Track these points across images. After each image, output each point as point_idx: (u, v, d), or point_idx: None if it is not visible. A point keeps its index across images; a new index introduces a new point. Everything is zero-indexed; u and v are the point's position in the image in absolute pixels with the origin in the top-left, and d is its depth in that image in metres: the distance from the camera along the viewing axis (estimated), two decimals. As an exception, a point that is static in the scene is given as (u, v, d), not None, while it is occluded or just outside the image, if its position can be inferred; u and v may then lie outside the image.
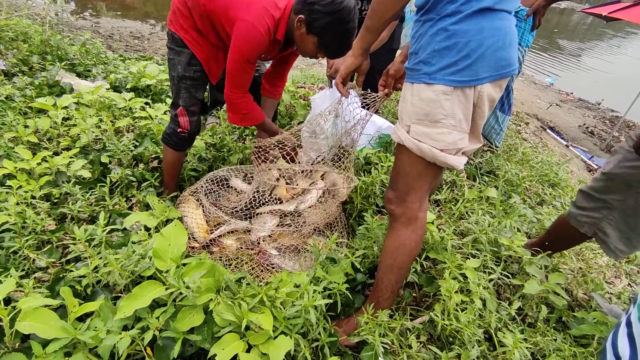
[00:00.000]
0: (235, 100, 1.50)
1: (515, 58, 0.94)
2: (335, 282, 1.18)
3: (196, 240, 1.52)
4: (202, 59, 1.50)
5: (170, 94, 2.65)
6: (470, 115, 0.97)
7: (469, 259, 1.39)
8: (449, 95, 0.93)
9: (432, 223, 1.53)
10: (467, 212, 1.80)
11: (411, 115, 0.99)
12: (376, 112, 2.23)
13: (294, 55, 1.66)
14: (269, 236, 1.51)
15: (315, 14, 1.30)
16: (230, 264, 1.45)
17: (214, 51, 1.50)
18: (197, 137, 2.05)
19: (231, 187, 1.74)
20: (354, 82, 1.27)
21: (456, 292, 1.25)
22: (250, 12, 1.32)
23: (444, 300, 1.24)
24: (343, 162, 1.54)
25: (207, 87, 1.69)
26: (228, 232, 1.53)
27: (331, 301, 1.16)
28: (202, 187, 1.68)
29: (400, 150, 1.05)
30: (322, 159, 1.69)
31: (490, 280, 1.38)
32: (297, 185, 1.68)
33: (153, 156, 1.99)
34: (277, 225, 1.56)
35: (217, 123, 2.60)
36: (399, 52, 1.50)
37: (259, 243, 1.51)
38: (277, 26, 1.38)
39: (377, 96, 1.28)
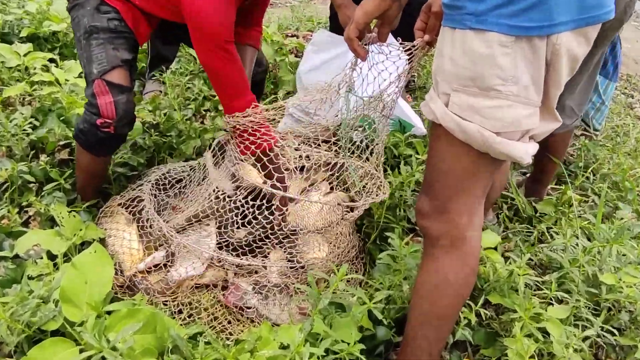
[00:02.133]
0: (233, 108, 1.54)
1: None
2: (343, 342, 1.18)
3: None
4: (119, 8, 1.53)
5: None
6: (542, 80, 0.96)
7: (552, 305, 1.39)
8: (509, 48, 0.92)
9: (495, 249, 1.53)
10: (549, 232, 1.79)
11: (451, 79, 0.99)
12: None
13: None
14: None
15: None
16: (182, 312, 1.47)
17: None
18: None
19: (185, 193, 1.74)
20: (374, 33, 1.24)
21: (532, 357, 1.24)
22: None
23: (512, 370, 1.25)
24: (363, 158, 1.55)
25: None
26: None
27: (337, 372, 1.17)
28: (141, 192, 1.70)
29: (435, 134, 1.07)
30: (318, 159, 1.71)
31: (586, 338, 1.37)
32: (290, 192, 1.69)
33: (61, 143, 1.97)
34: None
35: (160, 92, 2.61)
36: None
37: (225, 275, 1.54)
38: None
39: (414, 46, 1.24)
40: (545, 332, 1.32)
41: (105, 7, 1.54)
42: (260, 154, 1.56)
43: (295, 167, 1.83)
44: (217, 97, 2.20)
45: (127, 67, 1.57)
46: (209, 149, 1.70)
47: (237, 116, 1.52)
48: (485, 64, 0.94)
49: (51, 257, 1.43)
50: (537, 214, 1.96)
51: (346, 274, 1.33)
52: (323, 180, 1.83)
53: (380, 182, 1.60)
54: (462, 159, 1.04)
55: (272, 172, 1.58)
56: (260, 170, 1.61)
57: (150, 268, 1.53)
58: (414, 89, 3.04)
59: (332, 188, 1.87)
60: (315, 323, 1.21)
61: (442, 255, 1.12)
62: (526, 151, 1.01)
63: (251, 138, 1.54)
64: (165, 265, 1.54)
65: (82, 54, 1.56)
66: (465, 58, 0.96)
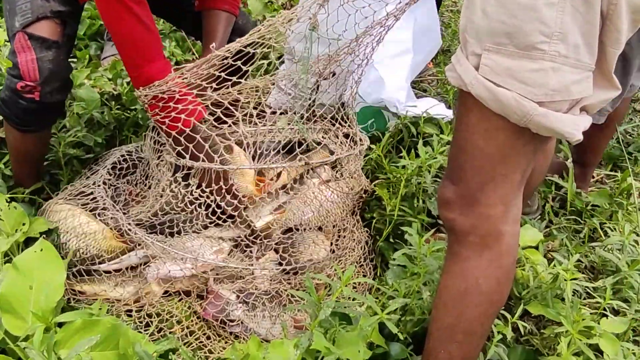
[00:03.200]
0: (142, 78, 1.50)
1: None
2: None
3: (88, 278, 1.54)
4: None
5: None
6: (597, 37, 0.96)
7: (606, 317, 1.38)
8: None
9: (536, 248, 1.53)
10: (602, 228, 1.80)
11: (483, 35, 1.00)
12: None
13: None
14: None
15: None
16: (150, 324, 1.47)
17: None
18: (75, 76, 2.02)
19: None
20: None
21: (582, 380, 1.25)
22: None
23: (558, 396, 1.26)
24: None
25: None
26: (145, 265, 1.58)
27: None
28: (98, 183, 1.70)
29: (463, 105, 1.08)
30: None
31: (647, 358, 1.39)
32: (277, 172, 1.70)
33: None
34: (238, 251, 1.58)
35: None
36: None
37: (206, 281, 1.55)
38: None
39: None
40: (597, 350, 1.32)
41: None
42: (188, 131, 1.53)
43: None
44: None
45: (59, 20, 1.55)
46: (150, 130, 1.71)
47: (153, 86, 1.48)
48: (525, 17, 0.94)
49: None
50: (588, 206, 1.96)
51: (353, 278, 1.32)
52: (321, 164, 1.82)
53: (354, 134, 1.65)
54: (496, 136, 1.04)
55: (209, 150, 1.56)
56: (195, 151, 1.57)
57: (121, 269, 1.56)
58: (436, 54, 3.02)
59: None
60: (315, 338, 1.20)
61: (471, 255, 1.12)
62: (576, 126, 1.00)
63: (173, 114, 1.51)
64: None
65: (5, 6, 1.55)
66: (500, 9, 0.96)
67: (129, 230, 1.56)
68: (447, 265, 1.17)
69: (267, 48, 1.46)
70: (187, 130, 1.51)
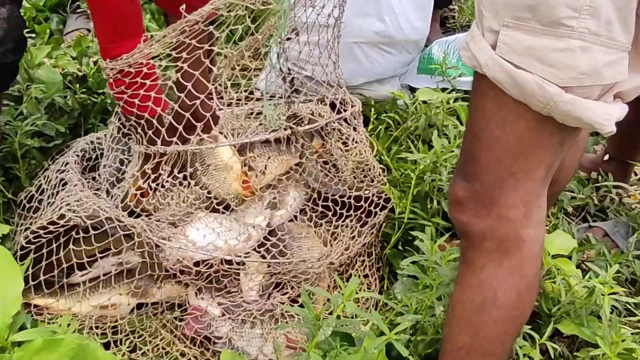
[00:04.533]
0: (114, 52, 1.55)
1: None
2: None
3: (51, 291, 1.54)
4: None
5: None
6: (634, 12, 0.97)
7: None
8: None
9: (569, 257, 1.53)
10: None
11: (502, 9, 1.00)
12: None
13: None
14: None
15: None
16: (122, 341, 1.49)
17: None
18: (34, 54, 2.07)
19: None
20: None
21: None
22: None
23: None
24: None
25: None
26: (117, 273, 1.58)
27: None
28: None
29: (478, 89, 1.09)
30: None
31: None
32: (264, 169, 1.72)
33: None
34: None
35: (88, 31, 2.64)
36: None
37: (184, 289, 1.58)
38: None
39: None
40: None
41: None
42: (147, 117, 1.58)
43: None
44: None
45: None
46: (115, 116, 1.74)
47: (123, 59, 1.52)
48: None
49: None
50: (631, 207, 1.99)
51: (356, 292, 1.30)
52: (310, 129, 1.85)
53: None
54: (515, 125, 1.04)
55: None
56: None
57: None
58: (453, 29, 3.07)
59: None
60: None
61: (488, 263, 1.13)
62: (609, 115, 1.01)
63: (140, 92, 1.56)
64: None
65: None
66: None
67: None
68: (460, 275, 1.18)
69: (243, 10, 1.48)
70: (159, 110, 1.56)
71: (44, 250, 1.54)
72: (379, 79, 2.41)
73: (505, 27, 0.99)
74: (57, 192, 1.67)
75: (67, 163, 1.75)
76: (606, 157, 2.14)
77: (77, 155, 1.78)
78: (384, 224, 1.83)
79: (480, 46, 1.03)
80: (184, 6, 1.45)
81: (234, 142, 1.69)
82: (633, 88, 1.03)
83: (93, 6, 1.56)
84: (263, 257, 1.62)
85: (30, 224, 1.65)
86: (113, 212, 1.55)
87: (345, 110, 1.79)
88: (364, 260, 1.75)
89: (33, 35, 2.53)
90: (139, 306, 1.59)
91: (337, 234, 1.76)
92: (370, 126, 2.16)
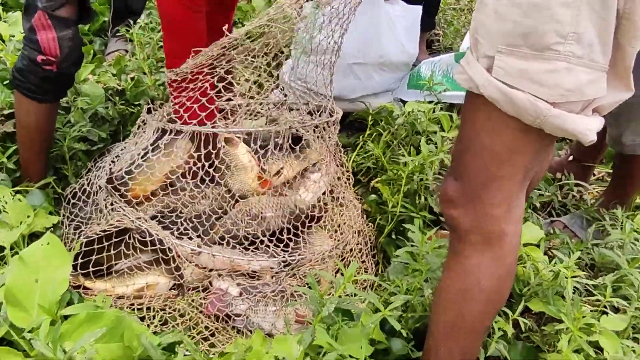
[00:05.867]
0: (175, 65, 1.56)
1: None
2: (351, 357, 1.19)
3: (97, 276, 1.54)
4: None
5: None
6: (612, 37, 0.96)
7: (607, 314, 1.39)
8: None
9: (537, 246, 1.53)
10: (603, 226, 1.81)
11: (496, 37, 0.99)
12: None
13: None
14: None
15: None
16: (154, 317, 1.49)
17: None
18: (80, 71, 2.03)
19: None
20: None
21: (581, 377, 1.26)
22: None
23: (557, 393, 1.27)
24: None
25: None
26: (147, 264, 1.60)
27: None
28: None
29: (472, 104, 1.07)
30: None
31: (647, 355, 1.40)
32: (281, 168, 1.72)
33: (5, 112, 2.00)
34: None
35: (126, 51, 2.65)
36: None
37: (209, 272, 1.57)
38: None
39: None
40: (597, 347, 1.32)
41: None
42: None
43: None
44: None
45: (75, 2, 1.63)
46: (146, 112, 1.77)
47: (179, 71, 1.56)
48: (540, 17, 0.93)
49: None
50: (589, 204, 1.98)
51: (354, 275, 1.32)
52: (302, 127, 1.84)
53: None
54: (502, 135, 1.04)
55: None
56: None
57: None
58: (438, 50, 3.08)
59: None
60: (318, 334, 1.21)
61: (473, 253, 1.13)
62: (590, 127, 1.00)
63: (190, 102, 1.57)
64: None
65: None
66: (514, 9, 0.95)
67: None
68: (448, 263, 1.18)
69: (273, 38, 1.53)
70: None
71: (96, 246, 1.54)
72: (374, 93, 2.41)
73: (499, 53, 0.98)
74: (97, 192, 1.70)
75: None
76: (570, 158, 2.14)
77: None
78: (379, 217, 1.84)
79: (476, 70, 1.02)
80: (226, 26, 1.51)
81: (239, 130, 1.69)
82: (609, 103, 1.02)
83: (166, 26, 1.59)
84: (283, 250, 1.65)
85: (80, 220, 1.68)
86: (154, 229, 1.57)
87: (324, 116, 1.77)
88: (361, 248, 1.75)
89: (83, 59, 2.56)
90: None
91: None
92: (367, 132, 2.18)
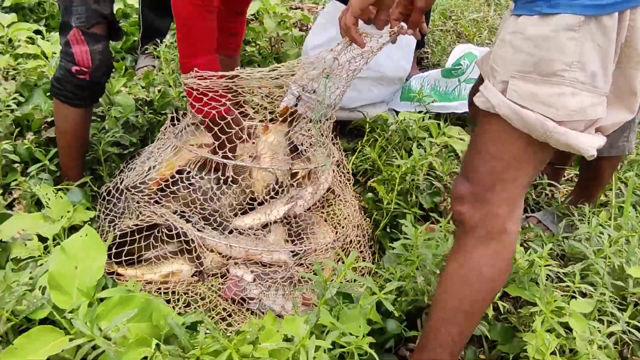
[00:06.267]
0: (189, 65, 1.57)
1: None
2: (351, 335, 1.20)
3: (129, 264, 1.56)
4: None
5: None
6: (612, 64, 0.98)
7: (575, 298, 1.41)
8: (576, 32, 0.95)
9: None
10: (572, 221, 1.82)
11: (510, 65, 1.02)
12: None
13: None
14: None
15: None
16: (179, 300, 1.51)
17: None
18: (113, 84, 2.10)
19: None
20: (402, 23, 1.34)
21: (553, 353, 1.26)
22: None
23: (532, 367, 1.27)
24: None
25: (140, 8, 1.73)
26: (172, 253, 1.62)
27: (345, 366, 1.18)
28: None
29: (488, 121, 1.09)
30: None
31: (611, 334, 1.39)
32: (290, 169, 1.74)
33: (48, 120, 2.01)
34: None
35: (153, 67, 2.66)
36: None
37: (226, 261, 1.59)
38: None
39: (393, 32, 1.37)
40: (567, 328, 1.34)
41: None
42: (213, 120, 1.59)
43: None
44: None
45: (106, 21, 1.67)
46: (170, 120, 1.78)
47: (196, 76, 1.55)
48: (549, 48, 0.97)
49: (41, 240, 1.47)
50: (560, 201, 1.99)
51: (354, 263, 1.29)
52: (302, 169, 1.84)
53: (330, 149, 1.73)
54: (513, 147, 1.06)
55: (225, 141, 1.61)
56: (214, 138, 1.64)
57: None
58: (427, 66, 3.04)
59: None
60: (322, 315, 1.21)
61: (477, 246, 1.13)
62: (592, 143, 1.02)
63: (209, 101, 1.57)
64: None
65: (60, 2, 1.64)
66: (527, 43, 0.98)
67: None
68: (453, 254, 1.18)
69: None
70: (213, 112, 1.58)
71: (128, 238, 1.57)
72: (372, 103, 2.42)
73: (513, 78, 1.01)
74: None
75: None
76: None
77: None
78: (375, 212, 1.85)
79: (493, 93, 1.05)
80: (238, 67, 1.54)
81: (246, 164, 1.69)
82: (610, 124, 1.05)
83: (179, 27, 1.58)
84: (292, 241, 1.66)
85: (114, 215, 1.69)
86: (179, 223, 1.59)
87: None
88: (360, 240, 1.77)
89: (113, 70, 2.56)
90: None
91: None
92: (365, 138, 2.19)
